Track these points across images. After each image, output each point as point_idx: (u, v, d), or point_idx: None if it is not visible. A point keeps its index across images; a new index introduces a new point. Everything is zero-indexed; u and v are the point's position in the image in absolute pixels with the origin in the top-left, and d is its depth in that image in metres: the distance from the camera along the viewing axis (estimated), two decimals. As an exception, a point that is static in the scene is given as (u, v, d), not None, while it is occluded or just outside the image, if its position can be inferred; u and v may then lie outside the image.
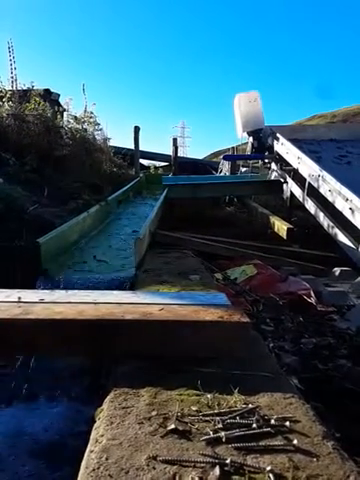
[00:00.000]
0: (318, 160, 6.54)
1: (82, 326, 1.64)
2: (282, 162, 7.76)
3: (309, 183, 6.34)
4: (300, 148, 7.06)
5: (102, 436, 1.13)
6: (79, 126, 7.57)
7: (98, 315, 1.68)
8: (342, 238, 5.17)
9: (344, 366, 2.35)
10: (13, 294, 1.98)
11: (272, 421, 1.16)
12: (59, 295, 2.04)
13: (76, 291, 2.17)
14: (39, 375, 2.08)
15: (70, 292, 2.12)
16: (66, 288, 2.58)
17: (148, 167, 11.44)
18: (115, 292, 2.19)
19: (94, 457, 1.04)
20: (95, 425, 1.25)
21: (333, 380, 2.17)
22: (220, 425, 1.15)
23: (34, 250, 3.13)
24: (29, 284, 2.81)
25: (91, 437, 1.18)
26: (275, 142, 8.09)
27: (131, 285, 2.94)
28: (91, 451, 1.08)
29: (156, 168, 11.53)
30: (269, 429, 1.13)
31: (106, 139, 8.49)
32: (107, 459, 1.02)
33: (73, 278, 3.08)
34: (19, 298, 1.91)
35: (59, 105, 7.70)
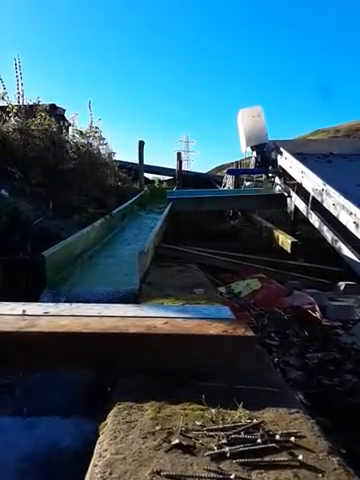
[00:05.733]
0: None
1: (86, 339, 1.64)
2: (286, 176, 7.80)
3: (313, 197, 6.36)
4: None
5: (106, 450, 1.13)
6: (84, 141, 7.64)
7: (102, 328, 1.69)
8: (346, 252, 5.16)
9: (350, 381, 2.33)
10: (18, 307, 1.99)
11: (277, 436, 1.16)
12: (63, 308, 2.04)
13: (80, 304, 2.17)
14: (42, 388, 2.07)
15: (74, 305, 2.12)
16: (70, 301, 2.58)
17: (153, 181, 11.49)
18: (119, 305, 2.19)
19: (98, 471, 1.03)
20: (99, 439, 1.24)
21: (338, 395, 2.15)
22: (224, 440, 1.14)
23: (39, 263, 3.15)
24: (34, 297, 2.81)
25: (95, 451, 1.17)
26: (279, 156, 8.14)
27: (135, 298, 2.94)
28: (95, 465, 1.07)
29: (160, 182, 11.59)
30: (274, 444, 1.12)
31: (111, 153, 8.58)
32: (111, 474, 1.02)
33: (76, 291, 3.08)
34: (24, 311, 1.92)
35: (64, 120, 7.77)
